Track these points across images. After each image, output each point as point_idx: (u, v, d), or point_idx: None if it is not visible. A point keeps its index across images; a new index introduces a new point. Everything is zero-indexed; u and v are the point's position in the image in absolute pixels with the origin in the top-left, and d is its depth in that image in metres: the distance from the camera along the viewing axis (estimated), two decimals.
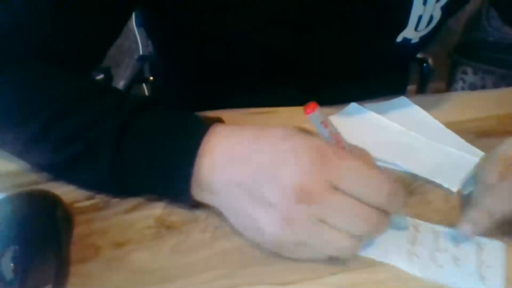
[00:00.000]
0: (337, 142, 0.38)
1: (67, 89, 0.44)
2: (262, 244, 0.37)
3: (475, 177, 0.44)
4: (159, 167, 0.39)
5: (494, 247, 0.39)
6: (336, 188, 0.35)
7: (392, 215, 0.37)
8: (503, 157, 0.42)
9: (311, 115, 0.36)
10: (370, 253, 0.39)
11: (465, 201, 0.43)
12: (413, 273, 0.37)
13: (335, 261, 0.37)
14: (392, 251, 0.39)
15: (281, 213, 0.35)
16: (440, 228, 0.41)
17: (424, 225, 0.41)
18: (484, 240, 0.40)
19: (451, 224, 0.41)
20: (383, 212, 0.36)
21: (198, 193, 0.40)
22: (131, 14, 0.55)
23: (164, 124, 0.41)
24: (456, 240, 0.40)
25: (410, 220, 0.41)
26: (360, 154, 0.38)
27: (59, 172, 0.45)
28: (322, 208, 0.34)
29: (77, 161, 0.41)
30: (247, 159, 0.37)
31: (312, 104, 0.36)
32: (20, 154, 0.46)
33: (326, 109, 0.55)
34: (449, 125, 0.54)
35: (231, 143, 0.39)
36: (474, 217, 0.40)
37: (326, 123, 0.37)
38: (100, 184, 0.42)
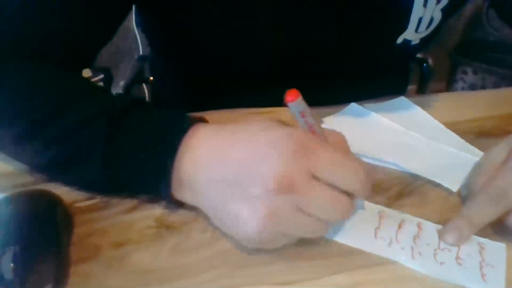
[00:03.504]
0: (312, 133, 0.37)
1: (56, 91, 0.44)
2: (244, 241, 0.37)
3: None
4: (142, 166, 0.39)
5: (496, 248, 0.40)
6: (315, 177, 0.35)
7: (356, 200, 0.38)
8: (488, 166, 0.43)
9: (291, 104, 0.35)
10: (375, 250, 0.39)
11: (464, 201, 0.43)
12: (416, 270, 0.38)
13: (330, 259, 0.37)
14: (397, 248, 0.39)
15: (264, 205, 0.35)
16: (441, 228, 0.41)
17: (426, 224, 0.41)
18: (486, 241, 0.40)
19: None
20: (350, 197, 0.37)
21: (180, 193, 0.40)
22: (126, 15, 0.54)
23: (148, 123, 0.41)
24: None
25: (413, 219, 0.42)
26: (336, 140, 0.39)
27: (50, 173, 0.45)
28: (302, 198, 0.35)
29: (68, 163, 0.42)
30: (227, 156, 0.37)
31: (294, 92, 0.35)
32: (10, 154, 0.46)
33: (326, 109, 0.55)
34: (449, 125, 0.54)
35: (211, 140, 0.39)
36: (456, 224, 0.40)
37: (304, 113, 0.37)
38: (94, 184, 0.43)
